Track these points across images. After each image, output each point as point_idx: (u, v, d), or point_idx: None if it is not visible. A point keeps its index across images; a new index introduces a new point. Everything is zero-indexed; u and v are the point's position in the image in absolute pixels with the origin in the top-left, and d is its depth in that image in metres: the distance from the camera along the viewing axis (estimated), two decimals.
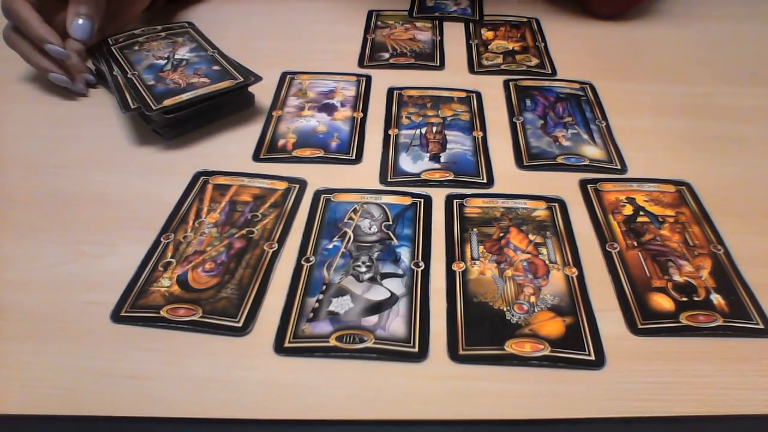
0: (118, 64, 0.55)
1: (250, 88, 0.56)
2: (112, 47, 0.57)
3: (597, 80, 0.60)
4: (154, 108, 0.50)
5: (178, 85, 0.52)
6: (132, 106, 0.50)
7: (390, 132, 0.54)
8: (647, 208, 0.46)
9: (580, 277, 0.40)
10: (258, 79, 0.54)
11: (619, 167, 0.50)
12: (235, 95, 0.54)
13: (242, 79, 0.53)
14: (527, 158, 0.51)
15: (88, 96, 0.58)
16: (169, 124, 0.52)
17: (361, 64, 0.64)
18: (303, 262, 0.41)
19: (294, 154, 0.51)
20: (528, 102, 0.57)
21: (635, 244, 0.43)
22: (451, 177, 0.49)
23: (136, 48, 0.57)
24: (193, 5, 0.72)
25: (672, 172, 0.49)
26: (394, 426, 0.33)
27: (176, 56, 0.56)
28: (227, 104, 0.55)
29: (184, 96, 0.51)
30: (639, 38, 0.68)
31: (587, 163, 0.50)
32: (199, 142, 0.52)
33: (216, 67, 0.55)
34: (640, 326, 0.37)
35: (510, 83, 0.60)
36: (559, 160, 0.50)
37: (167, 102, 0.50)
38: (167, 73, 0.54)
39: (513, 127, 0.54)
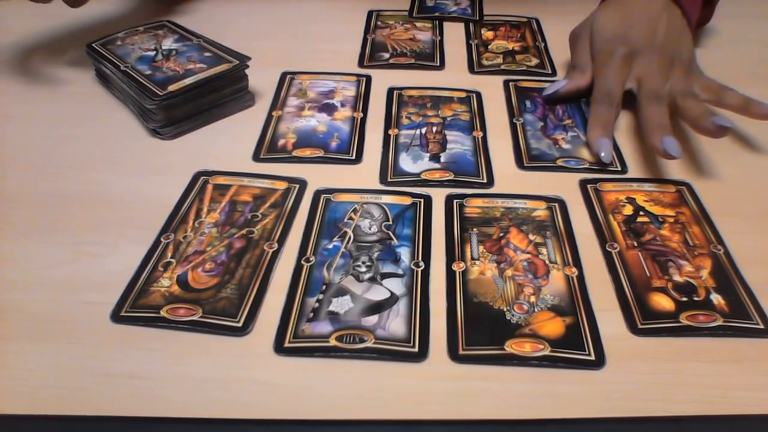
0: (108, 60, 0.55)
1: (250, 88, 0.56)
2: (93, 45, 0.57)
3: None
4: (161, 94, 0.50)
5: (176, 72, 0.53)
6: (161, 93, 0.50)
7: (390, 132, 0.54)
8: (647, 208, 0.46)
9: (580, 277, 0.40)
10: (247, 58, 0.55)
11: (619, 169, 0.50)
12: (235, 82, 0.55)
13: (238, 61, 0.54)
14: (527, 160, 0.51)
15: (89, 96, 0.58)
16: (169, 123, 0.52)
17: (361, 64, 0.64)
18: (303, 262, 0.41)
19: (294, 154, 0.51)
20: (527, 103, 0.57)
21: (635, 244, 0.43)
22: (451, 177, 0.49)
23: (119, 43, 0.58)
24: (192, 4, 0.73)
25: (672, 172, 0.49)
26: (394, 426, 0.33)
27: (164, 47, 0.57)
28: (227, 104, 0.55)
29: (188, 80, 0.52)
30: None
31: (587, 165, 0.50)
32: (199, 142, 0.52)
33: (207, 54, 0.56)
34: (640, 326, 0.37)
35: (510, 84, 0.60)
36: (559, 162, 0.50)
37: (172, 87, 0.51)
38: (161, 63, 0.54)
39: (513, 128, 0.54)
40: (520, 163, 0.50)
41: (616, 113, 0.52)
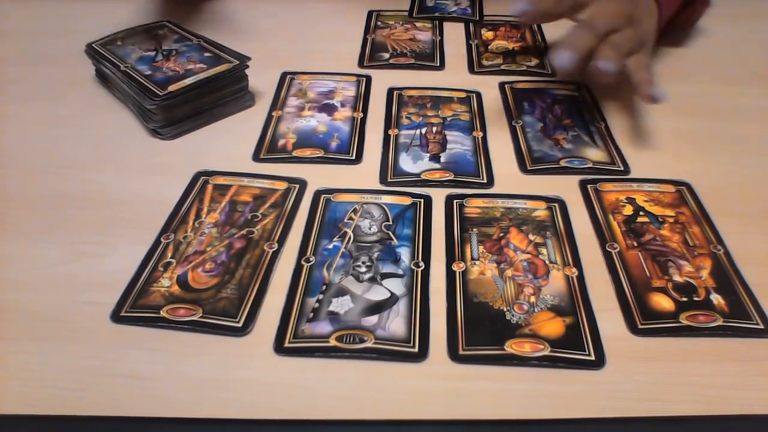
0: (108, 60, 0.55)
1: (250, 88, 0.56)
2: (93, 45, 0.57)
3: None
4: (161, 94, 0.50)
5: (177, 72, 0.53)
6: (161, 93, 0.50)
7: (390, 132, 0.54)
8: (647, 208, 0.46)
9: (580, 277, 0.40)
10: (247, 58, 0.55)
11: (622, 168, 0.50)
12: (235, 82, 0.55)
13: (238, 61, 0.54)
14: (530, 162, 0.50)
15: (89, 96, 0.58)
16: (169, 123, 0.52)
17: (361, 64, 0.64)
18: (303, 262, 0.41)
19: (294, 154, 0.51)
20: (525, 105, 0.57)
21: (635, 244, 0.43)
22: (451, 177, 0.49)
23: (119, 43, 0.58)
24: (193, 4, 0.72)
25: (672, 172, 0.49)
26: (394, 426, 0.33)
27: (164, 47, 0.57)
28: (227, 104, 0.55)
29: (188, 80, 0.52)
30: None
31: (590, 165, 0.50)
32: (199, 142, 0.52)
33: (207, 54, 0.56)
34: (640, 326, 0.37)
35: (506, 86, 0.60)
36: (563, 163, 0.50)
37: (172, 87, 0.51)
38: (161, 63, 0.54)
39: (513, 130, 0.54)
40: (523, 166, 0.50)
41: (593, 41, 0.50)
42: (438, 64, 0.64)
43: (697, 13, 0.66)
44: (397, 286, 0.40)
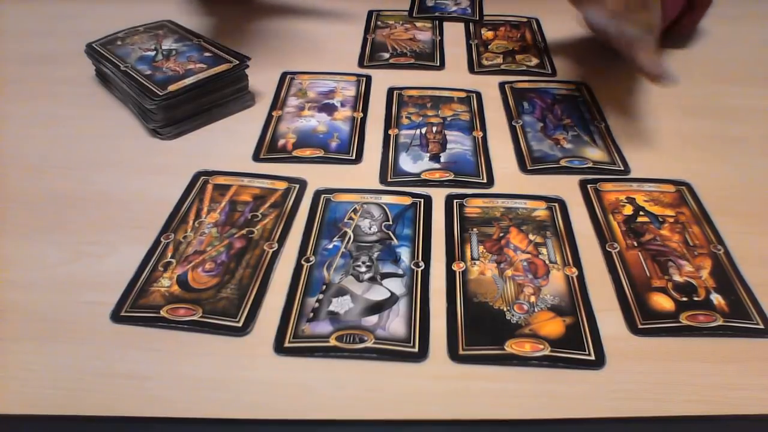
0: (108, 60, 0.55)
1: (250, 88, 0.56)
2: (93, 44, 0.57)
3: (597, 80, 0.60)
4: (161, 94, 0.50)
5: (176, 72, 0.53)
6: (161, 93, 0.50)
7: (390, 132, 0.54)
8: (647, 208, 0.46)
9: (580, 277, 0.40)
10: (247, 58, 0.55)
11: (622, 168, 0.50)
12: (235, 82, 0.55)
13: (238, 61, 0.54)
14: (530, 162, 0.50)
15: (89, 96, 0.58)
16: (169, 123, 0.52)
17: (361, 64, 0.64)
18: (303, 262, 0.41)
19: (294, 154, 0.51)
20: (525, 105, 0.57)
21: (635, 244, 0.43)
22: (451, 177, 0.49)
23: (119, 43, 0.58)
24: (192, 4, 0.72)
25: (672, 172, 0.49)
26: (394, 426, 0.33)
27: (164, 47, 0.57)
28: (227, 104, 0.55)
29: (188, 80, 0.52)
30: None
31: (591, 165, 0.50)
32: (199, 142, 0.52)
33: (207, 54, 0.56)
34: (640, 326, 0.37)
35: (506, 86, 0.60)
36: (563, 163, 0.50)
37: (172, 87, 0.51)
38: (161, 63, 0.54)
39: (513, 130, 0.54)
40: (522, 166, 0.50)
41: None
42: (438, 64, 0.64)
43: (697, 15, 0.65)
44: (397, 286, 0.40)
